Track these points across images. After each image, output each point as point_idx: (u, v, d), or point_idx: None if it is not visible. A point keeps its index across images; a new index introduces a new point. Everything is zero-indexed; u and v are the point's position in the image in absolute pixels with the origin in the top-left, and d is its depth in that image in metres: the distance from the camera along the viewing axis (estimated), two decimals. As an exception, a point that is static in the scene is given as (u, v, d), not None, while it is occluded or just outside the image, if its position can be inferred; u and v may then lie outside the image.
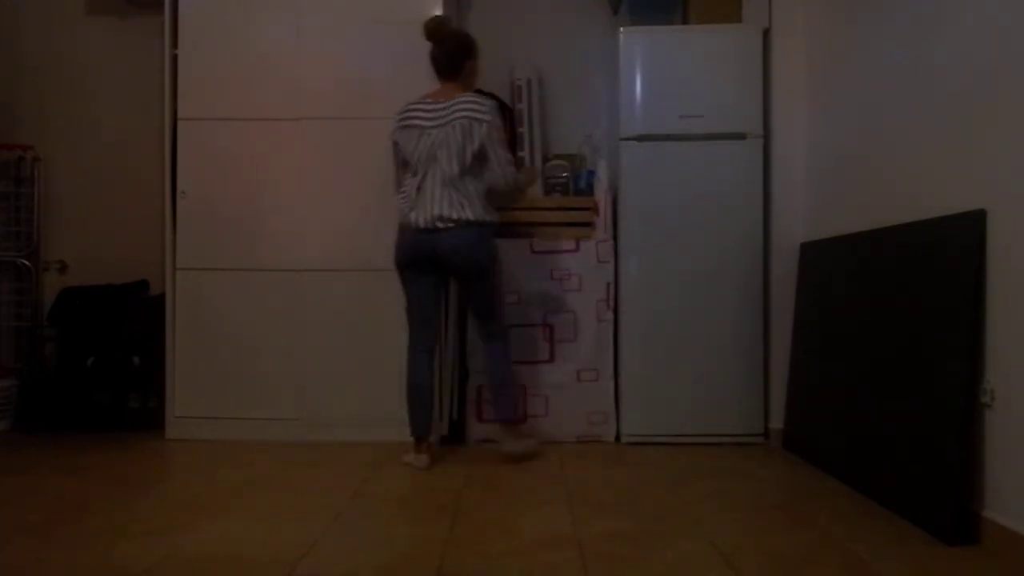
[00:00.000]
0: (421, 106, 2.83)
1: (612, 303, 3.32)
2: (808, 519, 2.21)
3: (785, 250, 3.22)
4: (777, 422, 3.20)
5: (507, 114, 3.66)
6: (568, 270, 3.32)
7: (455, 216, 2.71)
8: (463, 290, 2.97)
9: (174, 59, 3.34)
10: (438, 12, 3.30)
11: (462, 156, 2.74)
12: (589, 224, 3.37)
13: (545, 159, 3.67)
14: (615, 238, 3.33)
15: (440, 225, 2.72)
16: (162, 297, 3.38)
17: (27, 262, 3.81)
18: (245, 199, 3.33)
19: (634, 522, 2.18)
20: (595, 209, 3.36)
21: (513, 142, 3.61)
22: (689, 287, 3.22)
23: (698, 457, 2.98)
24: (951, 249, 2.09)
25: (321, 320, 3.30)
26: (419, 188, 2.76)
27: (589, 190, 3.49)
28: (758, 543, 2.00)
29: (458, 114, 2.76)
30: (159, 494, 2.48)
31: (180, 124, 3.34)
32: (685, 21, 3.46)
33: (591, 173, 3.51)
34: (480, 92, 3.63)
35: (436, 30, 2.86)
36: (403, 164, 2.87)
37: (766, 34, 3.28)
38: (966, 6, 2.09)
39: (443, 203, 2.72)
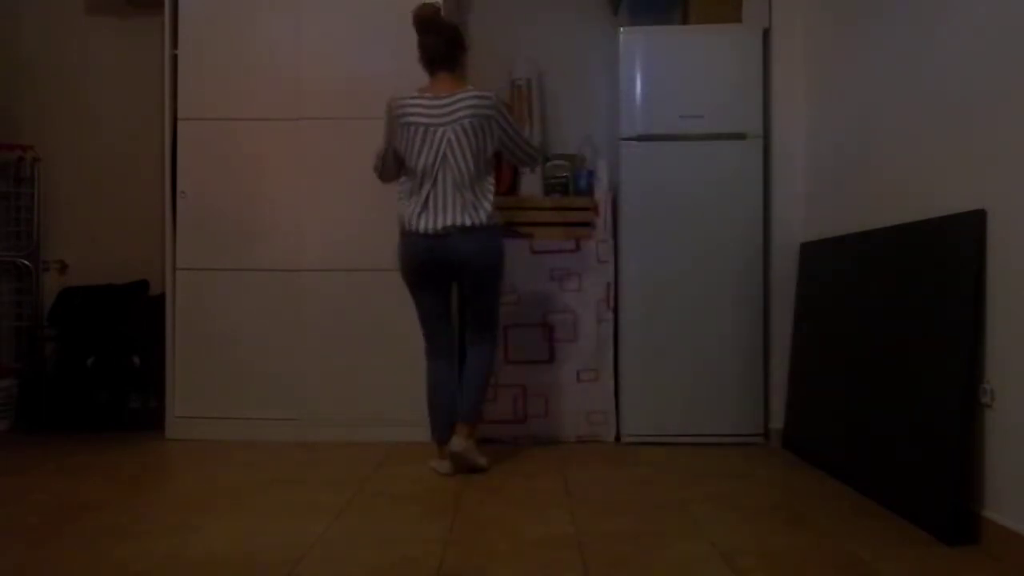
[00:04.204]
0: (420, 101, 2.67)
1: (612, 303, 3.32)
2: (808, 519, 2.21)
3: (785, 250, 3.22)
4: (777, 422, 3.20)
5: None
6: (568, 270, 3.32)
7: (468, 222, 2.61)
8: (467, 295, 2.81)
9: (174, 59, 3.34)
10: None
11: (475, 158, 2.64)
12: (589, 224, 3.37)
13: (545, 159, 3.66)
14: (615, 238, 3.33)
15: (453, 231, 2.62)
16: (162, 297, 3.38)
17: (27, 262, 3.80)
18: (245, 199, 3.33)
19: (634, 522, 2.18)
20: (595, 209, 3.36)
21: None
22: (689, 287, 3.22)
23: (698, 457, 2.98)
24: (951, 249, 2.09)
25: (320, 320, 3.30)
26: (428, 192, 2.64)
27: (589, 190, 3.49)
28: (758, 543, 2.00)
29: (464, 111, 2.63)
30: (159, 494, 2.48)
31: (180, 124, 3.34)
32: (685, 21, 3.46)
33: (591, 173, 3.51)
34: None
35: (432, 18, 2.70)
36: (400, 163, 2.75)
37: (766, 34, 3.27)
38: (966, 6, 2.09)
39: (456, 208, 2.62)
